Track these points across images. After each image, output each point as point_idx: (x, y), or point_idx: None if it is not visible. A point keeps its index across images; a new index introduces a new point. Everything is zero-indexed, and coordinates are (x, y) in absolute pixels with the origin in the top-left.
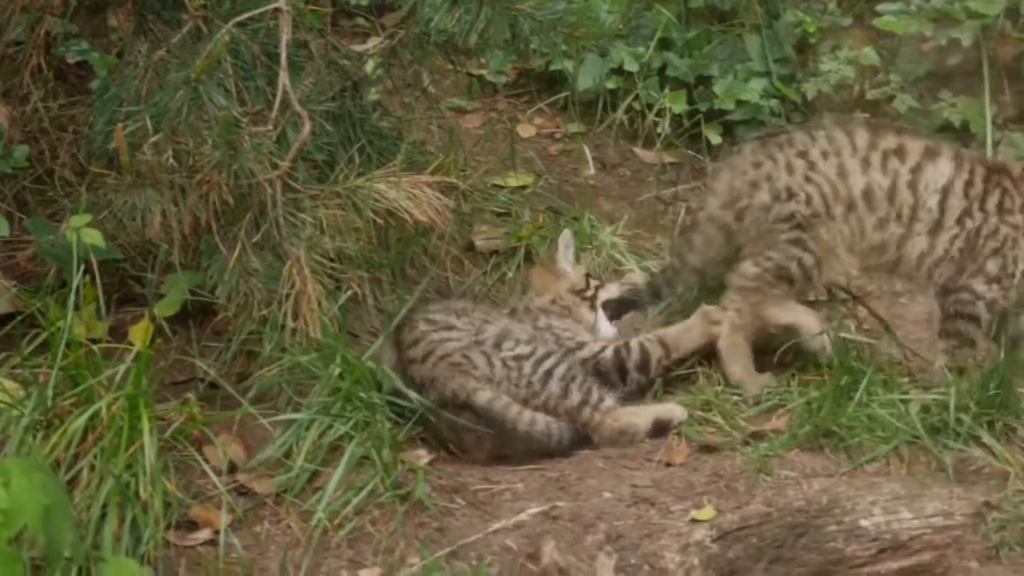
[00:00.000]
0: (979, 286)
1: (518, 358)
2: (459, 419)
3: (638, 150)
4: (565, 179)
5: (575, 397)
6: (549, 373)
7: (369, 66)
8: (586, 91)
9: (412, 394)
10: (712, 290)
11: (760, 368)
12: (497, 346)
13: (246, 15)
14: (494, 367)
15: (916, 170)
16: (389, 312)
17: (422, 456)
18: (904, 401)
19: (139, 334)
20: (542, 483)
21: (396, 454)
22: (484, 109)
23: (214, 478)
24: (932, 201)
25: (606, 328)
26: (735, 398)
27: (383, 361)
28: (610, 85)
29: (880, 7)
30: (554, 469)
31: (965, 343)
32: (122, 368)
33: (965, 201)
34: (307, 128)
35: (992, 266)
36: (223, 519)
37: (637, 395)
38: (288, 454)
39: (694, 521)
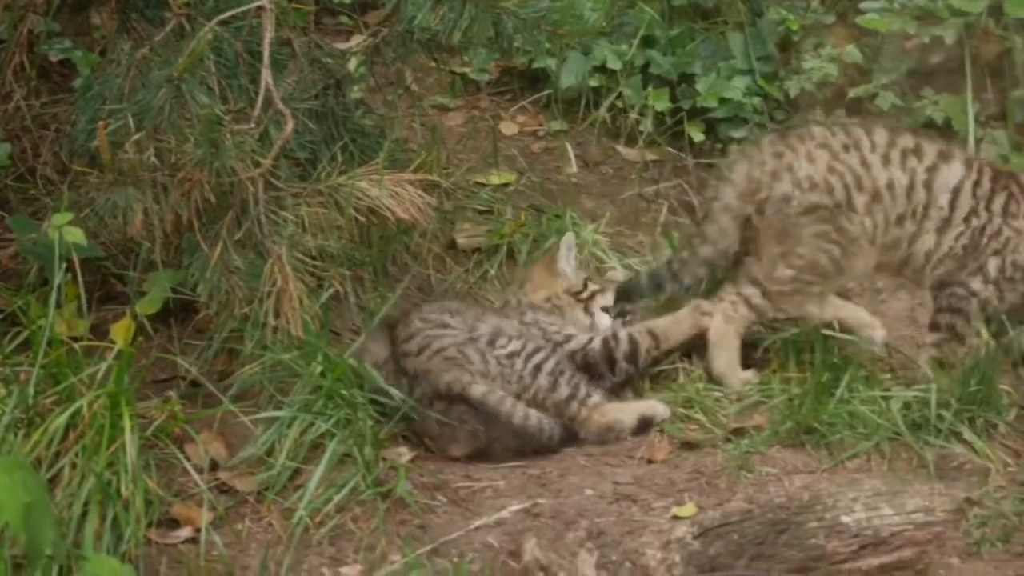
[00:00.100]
0: (976, 284)
1: (511, 355)
2: (450, 413)
3: (620, 148)
4: (547, 177)
5: (563, 391)
6: (539, 367)
7: (352, 64)
8: (569, 89)
9: (394, 392)
10: (720, 283)
11: (745, 365)
12: (491, 343)
13: (229, 13)
14: (488, 364)
15: (932, 169)
16: (371, 310)
17: (404, 454)
18: (885, 398)
19: (121, 332)
20: (524, 480)
21: (378, 452)
22: (467, 107)
23: (195, 476)
24: (943, 200)
25: (605, 329)
26: (717, 394)
27: (370, 357)
28: (593, 83)
29: (863, 5)
30: (535, 466)
31: (954, 338)
32: (103, 366)
33: (972, 200)
34: (290, 126)
35: (992, 266)
36: (204, 517)
37: (619, 389)
38: (270, 452)
39: (675, 518)
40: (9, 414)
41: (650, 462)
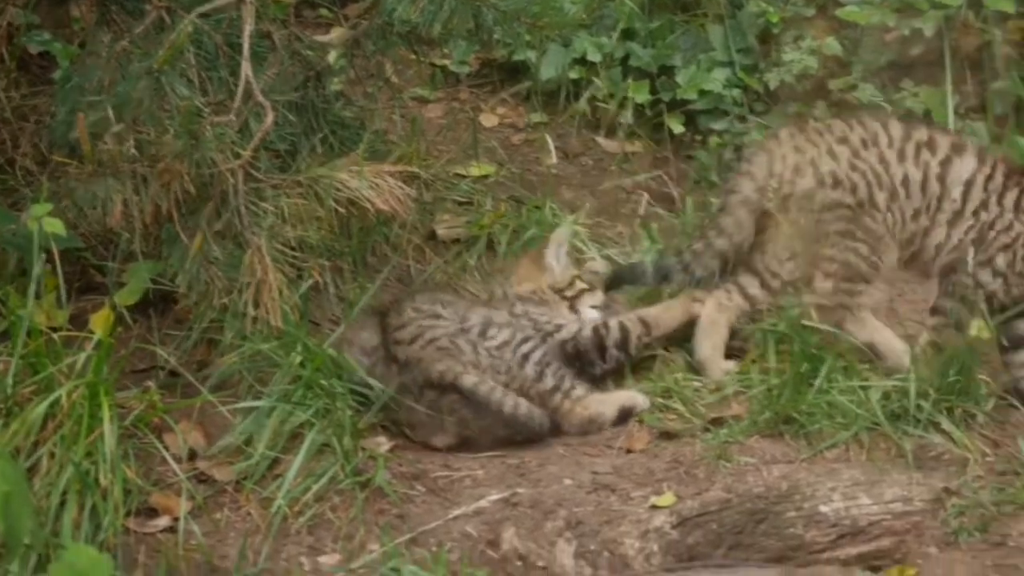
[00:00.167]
0: (984, 276)
1: (500, 346)
2: (440, 402)
3: (600, 139)
4: (527, 168)
5: (548, 382)
6: (526, 357)
7: (332, 56)
8: (549, 81)
9: (374, 382)
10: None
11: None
12: (482, 335)
13: (209, 6)
14: (479, 355)
15: (945, 163)
16: (351, 300)
17: (382, 443)
18: (864, 388)
19: (100, 322)
20: (502, 470)
21: (356, 441)
22: (447, 99)
23: (174, 465)
24: (956, 192)
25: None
26: (696, 384)
27: (359, 344)
28: (573, 75)
29: None
30: (514, 456)
31: (953, 324)
32: (83, 356)
33: (984, 193)
34: (269, 118)
35: (1001, 260)
36: (183, 506)
37: (600, 379)
38: (248, 441)
39: (654, 507)
40: None
41: (629, 452)
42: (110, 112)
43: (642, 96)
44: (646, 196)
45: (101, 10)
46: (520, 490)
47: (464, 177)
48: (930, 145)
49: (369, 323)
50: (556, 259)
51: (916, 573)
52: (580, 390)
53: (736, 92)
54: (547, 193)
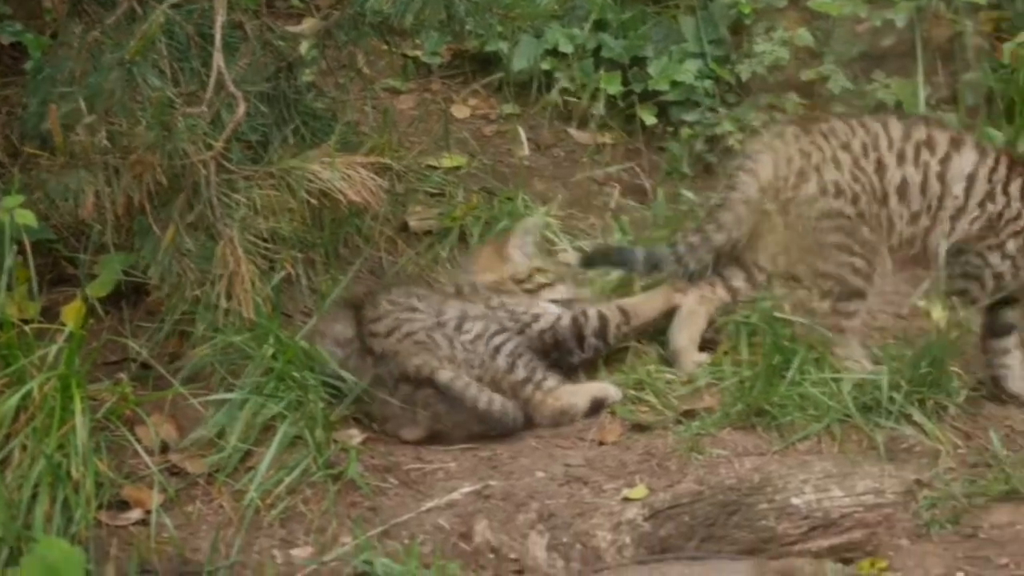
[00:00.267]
0: (994, 258)
1: (474, 339)
2: (415, 396)
3: (572, 131)
4: (499, 160)
5: (520, 373)
6: (498, 349)
7: (304, 47)
8: (521, 72)
9: (347, 375)
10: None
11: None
12: (458, 329)
13: None
14: (455, 349)
15: (945, 160)
16: (323, 292)
17: (355, 436)
18: (836, 380)
19: (71, 314)
20: (475, 462)
21: (329, 434)
22: (419, 90)
23: (146, 458)
24: (958, 188)
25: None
26: (668, 376)
27: (332, 336)
28: (545, 66)
29: None
30: (487, 448)
31: (966, 302)
32: (54, 348)
33: (988, 185)
34: (241, 109)
35: (1012, 245)
36: (155, 499)
37: (573, 371)
38: (220, 434)
39: (626, 500)
40: None
41: (601, 444)
42: (82, 103)
43: (614, 87)
44: (618, 188)
45: (73, 1)
46: (492, 482)
47: (436, 168)
48: (929, 144)
49: (342, 315)
50: (521, 250)
51: (887, 565)
52: (552, 381)
53: (708, 83)
54: (519, 185)
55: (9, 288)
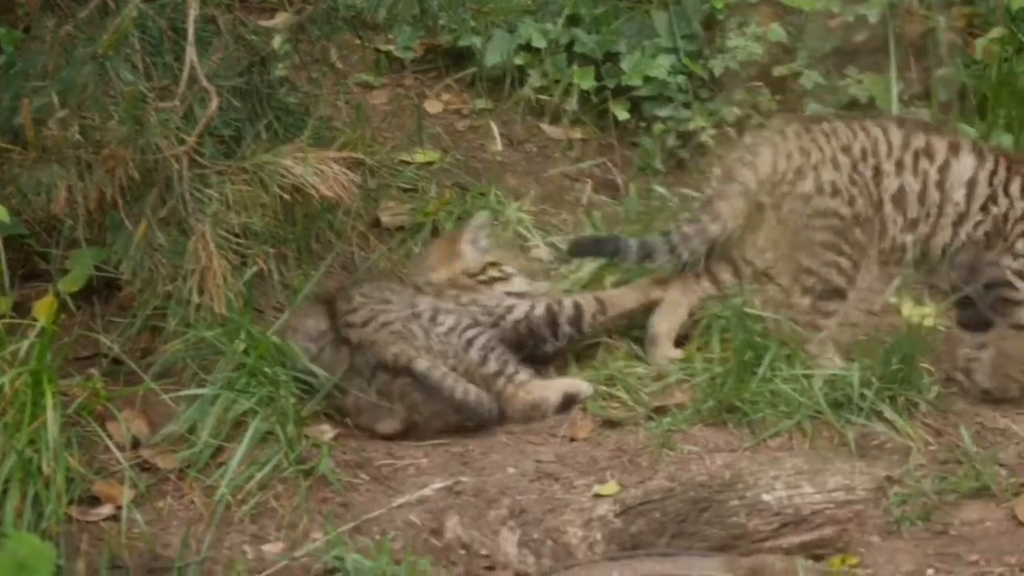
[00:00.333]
0: (1006, 259)
1: (448, 332)
2: (392, 385)
3: (545, 126)
4: (472, 155)
5: (492, 366)
6: (471, 342)
7: (277, 41)
8: (494, 67)
9: (319, 370)
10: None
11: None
12: (432, 321)
13: None
14: (431, 340)
15: (943, 168)
16: (295, 287)
17: (326, 431)
18: (807, 376)
19: (43, 309)
20: (446, 458)
21: (300, 429)
22: (391, 85)
23: (117, 453)
24: (959, 195)
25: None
26: (639, 372)
27: (304, 330)
28: (518, 61)
29: None
30: (458, 444)
31: (1012, 304)
32: (26, 343)
33: (989, 189)
34: (214, 103)
35: (1021, 245)
36: (126, 494)
37: (543, 368)
38: (192, 429)
39: (597, 496)
40: None
41: (572, 440)
42: (54, 97)
43: (587, 82)
44: (591, 183)
45: None
46: (464, 478)
47: (409, 164)
48: (928, 151)
49: (313, 310)
50: (473, 244)
51: (858, 562)
52: (524, 375)
53: (681, 79)
54: (492, 180)
55: None
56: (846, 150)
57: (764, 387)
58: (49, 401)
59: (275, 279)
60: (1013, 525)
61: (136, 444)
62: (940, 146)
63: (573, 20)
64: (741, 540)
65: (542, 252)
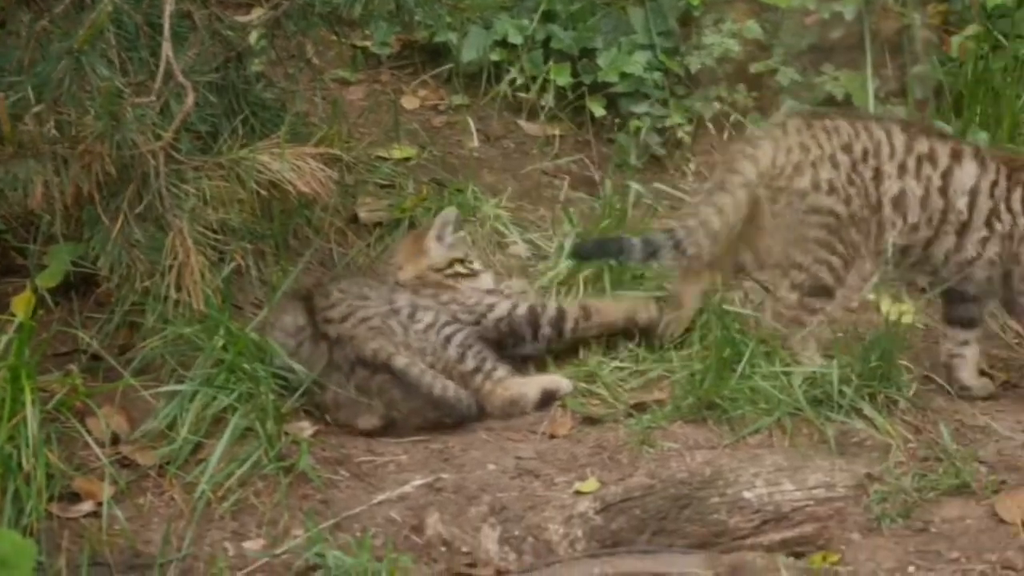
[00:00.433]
0: (1020, 269)
1: (426, 329)
2: (371, 381)
3: (522, 122)
4: (449, 151)
5: (469, 363)
6: (448, 339)
7: (253, 37)
8: (470, 63)
9: (298, 367)
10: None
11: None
12: (411, 318)
13: None
14: (409, 336)
15: (946, 175)
16: (273, 283)
17: (306, 428)
18: (787, 373)
19: (21, 305)
20: (426, 455)
21: (280, 426)
22: (368, 81)
23: (97, 450)
24: (962, 204)
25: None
26: (617, 366)
27: (281, 326)
28: (494, 57)
29: None
30: (438, 441)
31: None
32: (4, 339)
33: (991, 201)
34: (190, 99)
35: None
36: (106, 491)
37: (522, 365)
38: (171, 426)
39: (578, 493)
40: None
41: (552, 437)
42: (30, 92)
43: (563, 79)
44: (568, 179)
45: None
46: (444, 475)
47: (386, 160)
48: (931, 157)
49: (291, 306)
50: (440, 241)
51: (839, 559)
52: (502, 372)
53: (657, 75)
54: (469, 176)
55: None
56: (847, 149)
57: (744, 384)
58: (28, 397)
59: (253, 275)
60: (993, 522)
61: (116, 440)
62: (943, 151)
63: (549, 16)
64: (722, 537)
65: (519, 249)
